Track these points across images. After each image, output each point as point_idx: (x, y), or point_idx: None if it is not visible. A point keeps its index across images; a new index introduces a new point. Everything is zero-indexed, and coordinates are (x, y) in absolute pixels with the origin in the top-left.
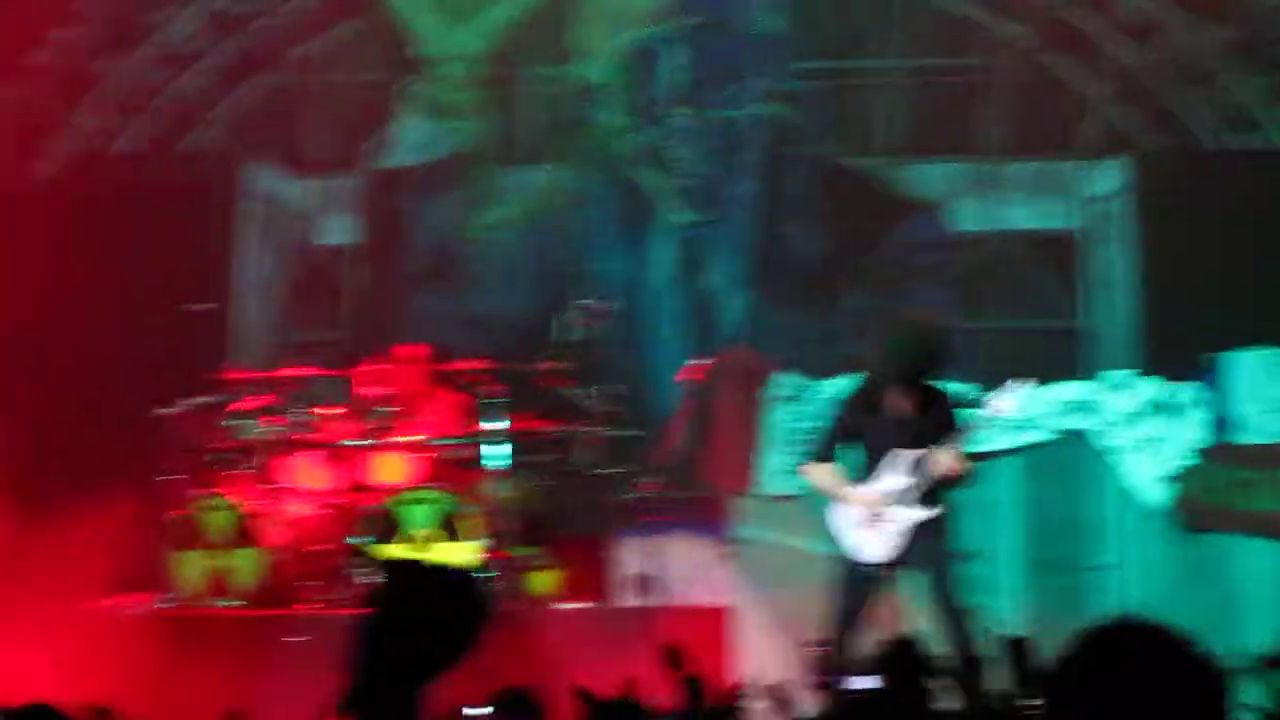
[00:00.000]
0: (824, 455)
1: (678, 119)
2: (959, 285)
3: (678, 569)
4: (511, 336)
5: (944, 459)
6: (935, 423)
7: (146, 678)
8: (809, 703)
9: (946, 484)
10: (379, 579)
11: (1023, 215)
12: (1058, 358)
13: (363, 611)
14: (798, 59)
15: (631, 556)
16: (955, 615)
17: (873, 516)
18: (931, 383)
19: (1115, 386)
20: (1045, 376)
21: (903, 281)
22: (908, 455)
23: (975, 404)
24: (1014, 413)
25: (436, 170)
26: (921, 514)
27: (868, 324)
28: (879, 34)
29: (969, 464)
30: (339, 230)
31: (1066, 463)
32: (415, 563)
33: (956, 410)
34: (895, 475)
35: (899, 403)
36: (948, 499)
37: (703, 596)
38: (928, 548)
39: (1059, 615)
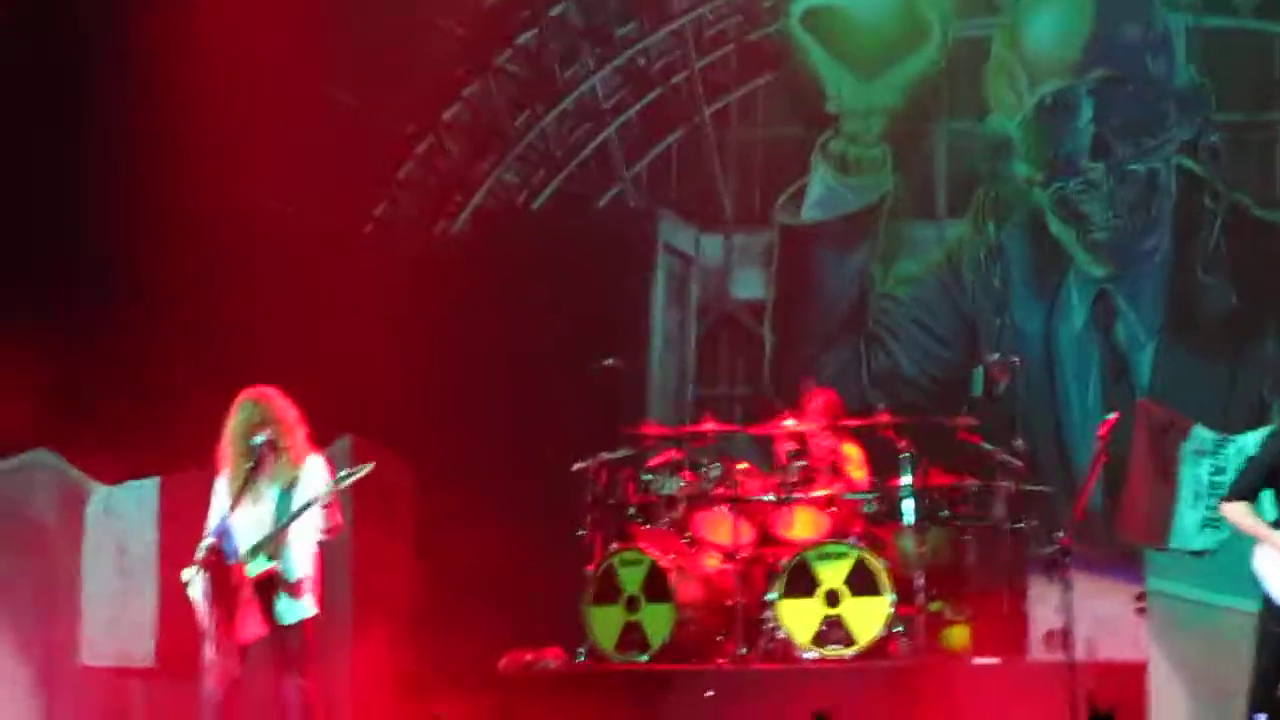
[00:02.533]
0: (1245, 494)
1: (1092, 171)
2: None
3: (1093, 623)
4: (926, 390)
5: None
6: None
7: None
8: None
9: None
10: None
11: None
12: None
13: None
14: (1213, 110)
15: (1046, 611)
16: None
17: None
18: None
19: None
20: None
21: None
22: None
23: None
24: None
25: (850, 224)
26: None
27: None
28: None
29: None
30: (754, 284)
31: None
32: None
33: None
34: None
35: None
36: None
37: (1118, 651)
38: None
39: None
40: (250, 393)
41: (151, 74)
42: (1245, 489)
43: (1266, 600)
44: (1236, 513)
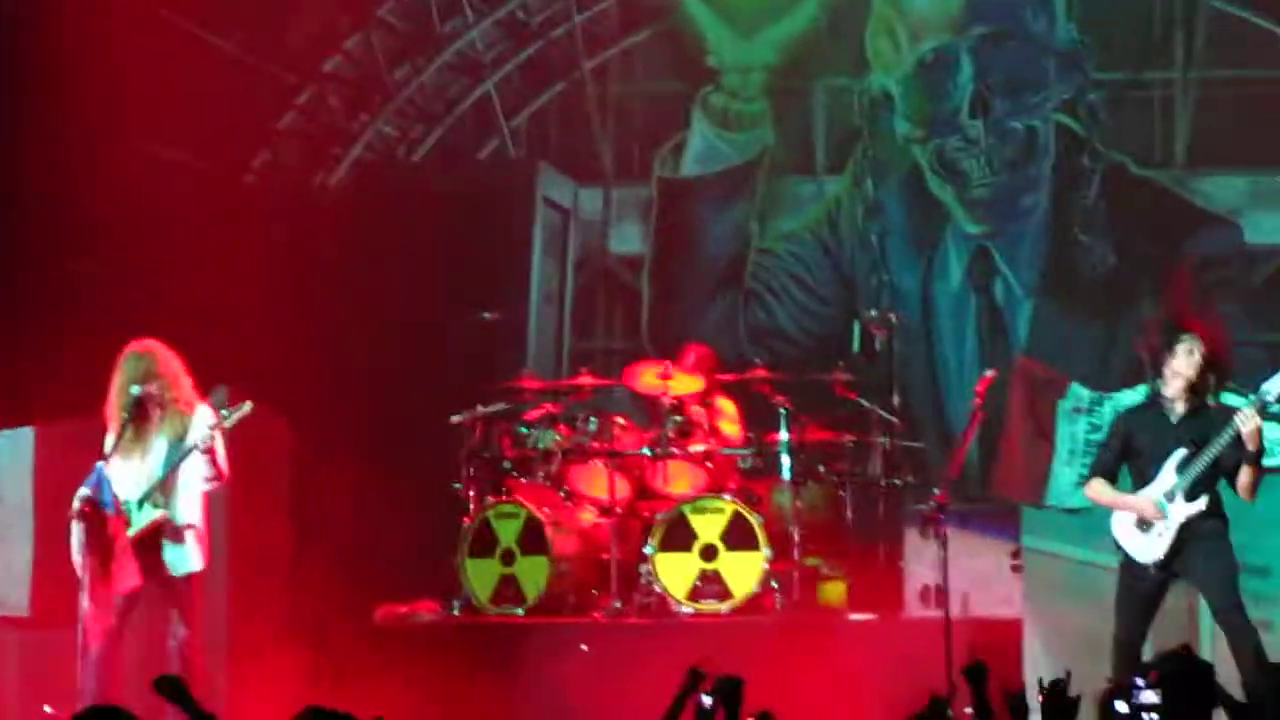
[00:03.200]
0: (1106, 471)
1: (971, 129)
2: (1253, 298)
3: (968, 580)
4: (803, 346)
5: (1249, 417)
6: (1209, 423)
7: (434, 685)
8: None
9: (1250, 445)
10: None
11: None
12: None
13: None
14: (1093, 69)
15: (922, 567)
16: (1240, 629)
17: (1146, 517)
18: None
19: None
20: None
21: (1195, 294)
22: (1178, 454)
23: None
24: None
25: (729, 179)
26: (1189, 509)
27: (1151, 335)
28: (1173, 45)
29: (1257, 438)
30: (632, 239)
31: None
32: None
33: (1230, 412)
34: (1164, 475)
35: (1176, 406)
36: (1219, 503)
37: (994, 608)
38: (1205, 553)
39: None
40: (134, 346)
41: (25, 19)
42: (1104, 467)
43: (1126, 561)
44: (1095, 491)
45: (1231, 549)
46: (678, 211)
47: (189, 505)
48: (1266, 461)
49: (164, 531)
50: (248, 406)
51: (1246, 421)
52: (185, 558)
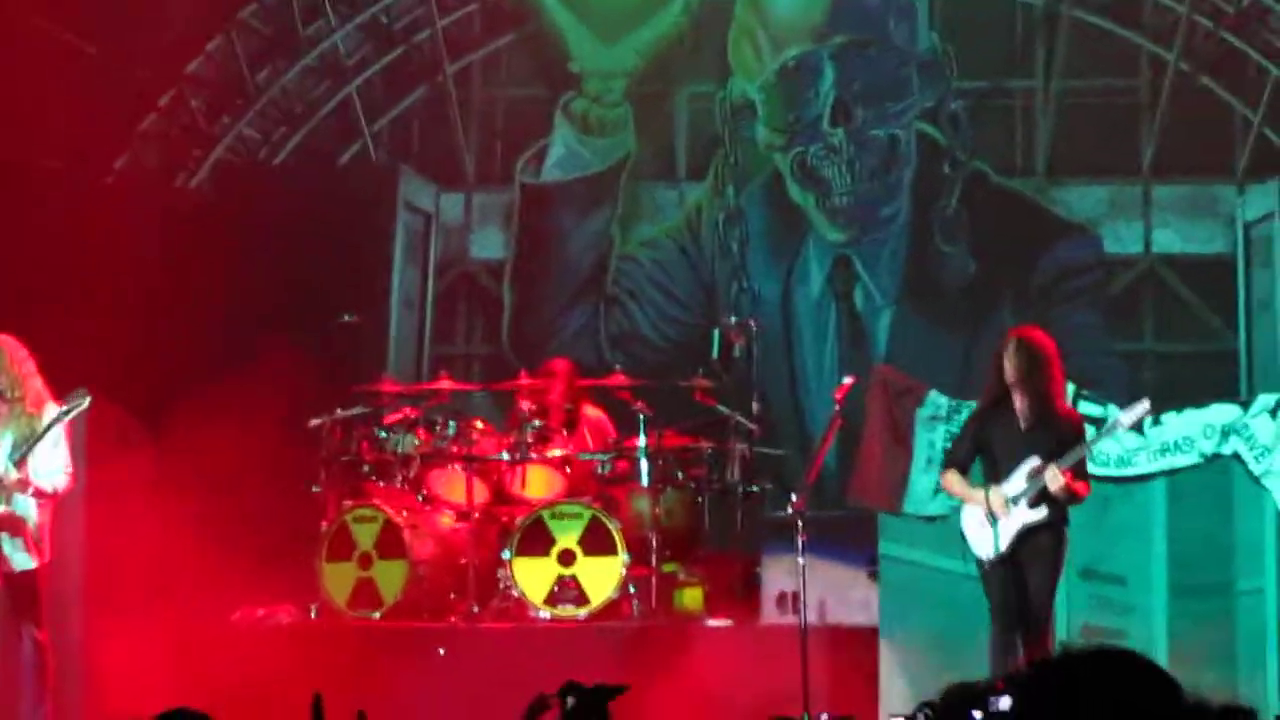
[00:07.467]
0: (958, 464)
1: (832, 137)
2: (1111, 307)
3: (824, 588)
4: (663, 352)
5: (1051, 474)
6: (1058, 435)
7: (290, 689)
8: None
9: (1060, 498)
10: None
11: (1175, 238)
12: (1210, 382)
13: None
14: (955, 77)
15: (779, 574)
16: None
17: (990, 515)
18: (1062, 398)
19: (1266, 410)
20: (1198, 400)
21: (1054, 303)
22: (1030, 461)
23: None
24: (1133, 427)
25: (590, 185)
26: (1031, 516)
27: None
28: (1035, 55)
29: (1069, 492)
30: (494, 244)
31: (1214, 487)
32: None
33: (1081, 426)
34: (1015, 479)
35: (1025, 412)
36: (1061, 511)
37: (850, 615)
38: (1034, 570)
39: (1201, 640)
40: None
41: None
42: (955, 460)
43: (976, 558)
44: (949, 482)
45: (1062, 551)
46: (539, 217)
47: (31, 503)
48: (1121, 471)
49: (4, 527)
50: (85, 400)
51: (1045, 478)
52: (24, 554)
